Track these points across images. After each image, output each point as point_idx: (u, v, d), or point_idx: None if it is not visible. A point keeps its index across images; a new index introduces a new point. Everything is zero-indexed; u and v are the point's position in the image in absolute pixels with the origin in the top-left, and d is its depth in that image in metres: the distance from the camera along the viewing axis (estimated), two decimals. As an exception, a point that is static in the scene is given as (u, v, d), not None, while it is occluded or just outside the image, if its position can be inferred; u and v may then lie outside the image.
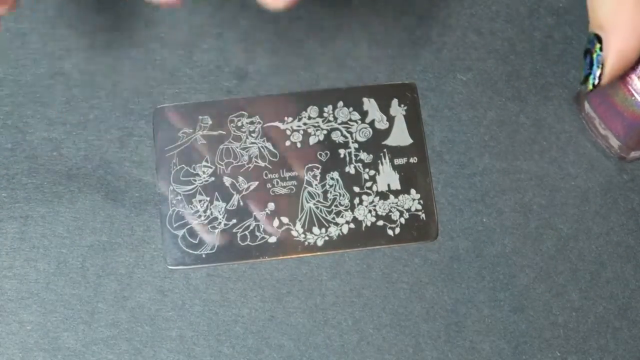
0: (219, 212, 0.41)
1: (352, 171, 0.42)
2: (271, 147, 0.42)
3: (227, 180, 0.41)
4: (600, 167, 0.42)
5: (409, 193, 0.42)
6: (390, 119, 0.43)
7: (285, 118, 0.42)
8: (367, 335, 0.40)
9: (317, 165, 0.42)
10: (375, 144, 0.42)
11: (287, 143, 0.42)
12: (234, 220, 0.41)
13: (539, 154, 0.42)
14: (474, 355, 0.40)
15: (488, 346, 0.40)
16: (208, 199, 0.41)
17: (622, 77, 0.36)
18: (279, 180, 0.42)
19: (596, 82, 0.34)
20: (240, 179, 0.41)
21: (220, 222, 0.41)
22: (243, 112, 0.42)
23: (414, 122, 0.43)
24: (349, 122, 0.42)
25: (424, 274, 0.41)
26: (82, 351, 0.39)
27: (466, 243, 0.41)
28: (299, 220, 0.41)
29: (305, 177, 0.42)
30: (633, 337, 0.41)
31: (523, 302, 0.41)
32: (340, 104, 0.43)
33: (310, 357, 0.40)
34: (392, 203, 0.41)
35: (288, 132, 0.42)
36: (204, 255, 0.40)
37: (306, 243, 0.41)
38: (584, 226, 0.42)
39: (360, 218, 0.41)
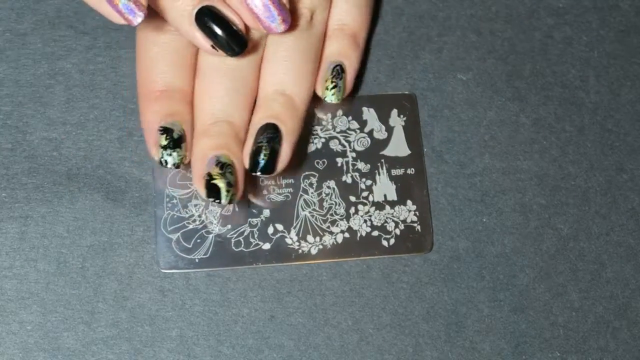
0: (214, 217, 0.41)
1: (349, 180, 0.42)
2: None
3: None
4: (600, 167, 0.42)
5: (405, 204, 0.41)
6: (389, 129, 0.42)
7: None
8: (367, 335, 0.40)
9: (314, 173, 0.42)
10: (373, 153, 0.42)
11: None
12: (229, 226, 0.41)
13: (539, 154, 0.42)
14: (474, 355, 0.40)
15: (488, 346, 0.40)
16: (203, 203, 0.41)
17: None
18: (275, 187, 0.41)
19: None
20: None
21: (214, 227, 0.41)
22: None
23: (412, 133, 0.42)
24: (347, 131, 0.42)
25: (424, 274, 0.41)
26: (82, 351, 0.39)
27: (466, 243, 0.41)
28: (294, 227, 0.41)
29: (302, 185, 0.42)
30: (633, 337, 0.41)
31: (523, 302, 0.41)
32: (340, 112, 0.43)
33: (310, 357, 0.40)
34: (388, 214, 0.41)
35: None
36: (197, 260, 0.40)
37: (300, 251, 0.41)
38: (584, 226, 0.42)
39: (355, 228, 0.41)
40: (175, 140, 0.38)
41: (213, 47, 0.37)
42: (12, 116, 0.42)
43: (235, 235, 0.41)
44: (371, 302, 0.40)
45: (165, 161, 0.38)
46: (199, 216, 0.41)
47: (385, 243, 0.41)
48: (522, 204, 0.42)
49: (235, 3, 0.37)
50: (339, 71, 0.41)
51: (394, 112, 0.43)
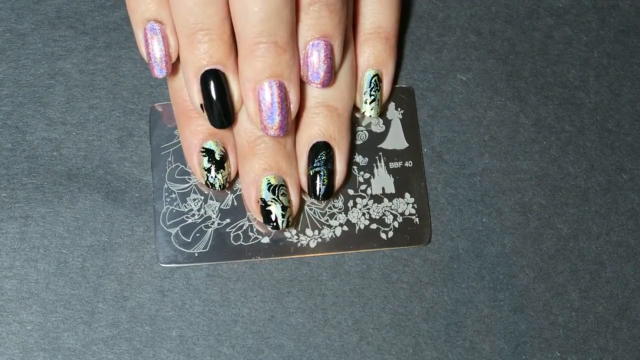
0: (213, 211, 0.41)
1: None
2: None
3: None
4: (600, 167, 0.42)
5: (403, 197, 0.41)
6: (387, 123, 0.42)
7: None
8: (367, 335, 0.40)
9: None
10: (371, 147, 0.42)
11: None
12: (228, 220, 0.41)
13: (539, 154, 0.42)
14: (474, 355, 0.40)
15: (488, 346, 0.40)
16: (202, 197, 0.41)
17: None
18: None
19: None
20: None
21: (213, 222, 0.41)
22: None
23: (410, 126, 0.42)
24: None
25: (424, 274, 0.41)
26: (82, 351, 0.39)
27: (466, 243, 0.41)
28: None
29: None
30: (633, 337, 0.41)
31: (523, 302, 0.41)
32: None
33: (310, 357, 0.40)
34: (386, 206, 0.41)
35: None
36: (196, 254, 0.40)
37: (299, 244, 0.41)
38: (584, 226, 0.42)
39: (353, 221, 0.41)
40: (218, 161, 0.39)
41: (201, 106, 0.37)
42: (12, 116, 0.42)
43: (234, 229, 0.41)
44: (371, 302, 0.40)
45: (212, 184, 0.39)
46: (198, 210, 0.41)
47: (383, 236, 0.41)
48: (522, 204, 0.42)
49: (247, 88, 0.37)
50: (376, 82, 0.40)
51: (392, 105, 0.43)
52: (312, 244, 0.41)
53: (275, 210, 0.38)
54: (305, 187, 0.39)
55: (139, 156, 0.42)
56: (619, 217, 0.42)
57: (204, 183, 0.39)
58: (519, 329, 0.40)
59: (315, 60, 0.37)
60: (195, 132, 0.39)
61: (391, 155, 0.42)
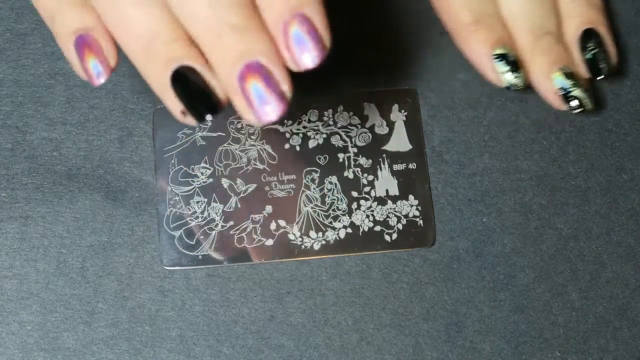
0: (216, 213, 0.41)
1: (351, 176, 0.42)
2: (270, 150, 0.42)
3: (225, 182, 0.41)
4: (600, 167, 0.42)
5: (407, 199, 0.42)
6: (390, 124, 0.43)
7: (285, 121, 0.42)
8: (367, 335, 0.40)
9: (315, 169, 0.42)
10: (375, 149, 0.42)
11: (287, 146, 0.42)
12: (231, 222, 0.41)
13: (539, 154, 0.42)
14: (474, 355, 0.40)
15: (488, 346, 0.40)
16: (206, 200, 0.41)
17: None
18: (277, 183, 0.41)
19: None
20: (239, 181, 0.41)
21: (217, 224, 0.41)
22: None
23: (414, 128, 0.42)
24: (348, 126, 0.42)
25: (424, 274, 0.41)
26: (82, 351, 0.39)
27: (466, 243, 0.41)
28: (296, 223, 0.41)
29: (304, 181, 0.42)
30: (633, 337, 0.41)
31: (523, 302, 0.41)
32: (341, 108, 0.43)
33: (310, 357, 0.40)
34: (390, 209, 0.41)
35: (287, 135, 0.42)
36: (200, 257, 0.40)
37: (303, 247, 0.41)
38: (584, 226, 0.42)
39: (357, 223, 0.41)
40: (513, 62, 0.39)
41: (183, 112, 0.32)
42: (12, 116, 0.42)
43: (237, 232, 0.41)
44: (371, 302, 0.40)
45: (515, 84, 0.39)
46: (202, 213, 0.41)
47: (387, 238, 0.41)
48: (522, 204, 0.42)
49: (232, 87, 0.31)
50: (591, 37, 0.41)
51: (395, 107, 0.43)
52: (316, 246, 0.41)
53: (578, 93, 0.39)
54: (586, 72, 0.40)
55: (139, 156, 0.42)
56: (619, 217, 0.42)
57: (503, 85, 0.39)
58: (519, 329, 0.40)
59: None
60: (485, 41, 0.39)
61: (395, 157, 0.42)
